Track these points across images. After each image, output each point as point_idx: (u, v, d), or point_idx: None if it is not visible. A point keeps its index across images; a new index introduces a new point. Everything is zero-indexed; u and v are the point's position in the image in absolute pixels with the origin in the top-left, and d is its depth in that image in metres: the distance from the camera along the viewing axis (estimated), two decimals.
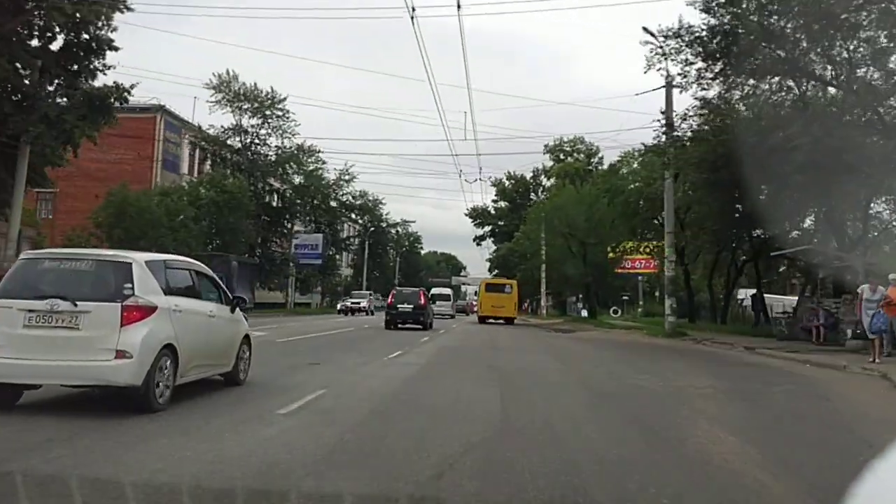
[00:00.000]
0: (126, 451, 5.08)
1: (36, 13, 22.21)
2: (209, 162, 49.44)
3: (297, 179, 54.49)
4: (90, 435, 5.61)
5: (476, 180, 46.28)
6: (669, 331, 24.68)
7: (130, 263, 6.85)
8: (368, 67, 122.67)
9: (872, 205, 23.36)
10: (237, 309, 8.90)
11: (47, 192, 44.55)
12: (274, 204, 53.44)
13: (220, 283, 8.95)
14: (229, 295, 8.94)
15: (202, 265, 8.77)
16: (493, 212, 74.75)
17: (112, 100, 23.34)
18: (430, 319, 30.13)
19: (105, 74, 24.24)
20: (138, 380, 6.45)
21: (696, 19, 18.66)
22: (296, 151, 51.46)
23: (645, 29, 20.13)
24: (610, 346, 20.37)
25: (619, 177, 35.75)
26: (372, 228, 77.67)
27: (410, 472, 4.59)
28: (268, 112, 48.86)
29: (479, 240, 77.82)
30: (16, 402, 6.75)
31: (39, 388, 6.94)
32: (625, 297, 60.80)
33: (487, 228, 76.21)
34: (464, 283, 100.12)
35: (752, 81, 19.90)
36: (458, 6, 17.86)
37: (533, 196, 68.62)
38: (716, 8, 18.07)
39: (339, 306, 53.29)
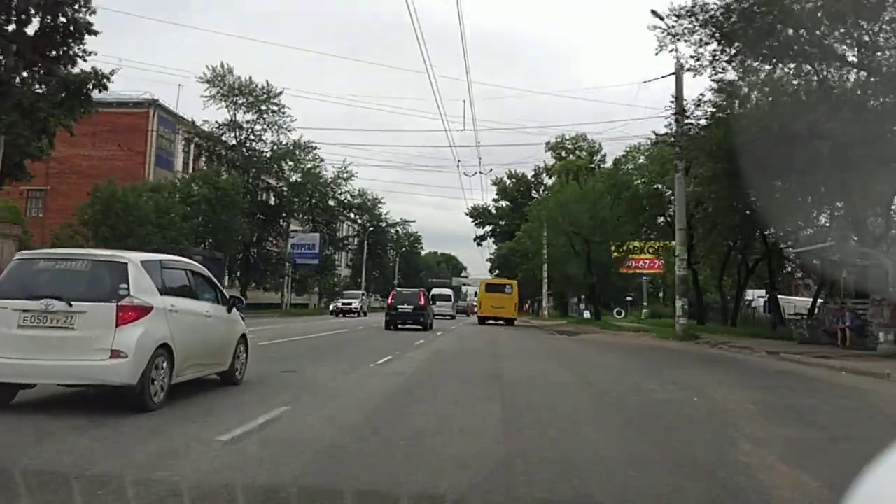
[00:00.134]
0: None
1: None
2: (204, 158, 48.19)
3: (295, 177, 53.26)
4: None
5: (475, 174, 45.13)
6: (681, 333, 23.22)
7: (126, 263, 6.87)
8: (364, 58, 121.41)
9: None
10: (234, 309, 8.95)
11: (37, 189, 43.65)
12: (269, 202, 52.07)
13: (217, 283, 8.98)
14: (226, 295, 8.97)
15: (199, 265, 8.77)
16: (493, 211, 73.98)
17: (90, 87, 21.94)
18: (431, 320, 29.82)
19: (85, 61, 22.93)
20: (133, 379, 6.48)
21: None
22: (292, 147, 50.15)
23: (653, 12, 18.87)
24: (621, 351, 18.86)
25: (624, 172, 34.31)
26: (371, 228, 76.44)
27: None
28: (263, 107, 47.60)
29: (479, 240, 77.07)
30: (10, 402, 6.81)
31: (34, 388, 6.99)
32: (628, 299, 59.58)
33: (488, 228, 75.56)
34: (464, 284, 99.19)
35: (767, 67, 18.58)
36: None
37: (535, 194, 67.37)
38: None
39: (331, 307, 50.99)
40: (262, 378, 9.44)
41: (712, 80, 18.21)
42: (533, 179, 70.73)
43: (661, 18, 18.58)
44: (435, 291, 48.76)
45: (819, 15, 16.72)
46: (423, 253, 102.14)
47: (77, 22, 21.71)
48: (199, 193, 39.80)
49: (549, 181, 66.11)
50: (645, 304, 56.83)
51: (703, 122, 19.36)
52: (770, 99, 17.36)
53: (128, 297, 6.63)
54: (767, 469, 5.03)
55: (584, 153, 65.13)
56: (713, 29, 17.65)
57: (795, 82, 18.19)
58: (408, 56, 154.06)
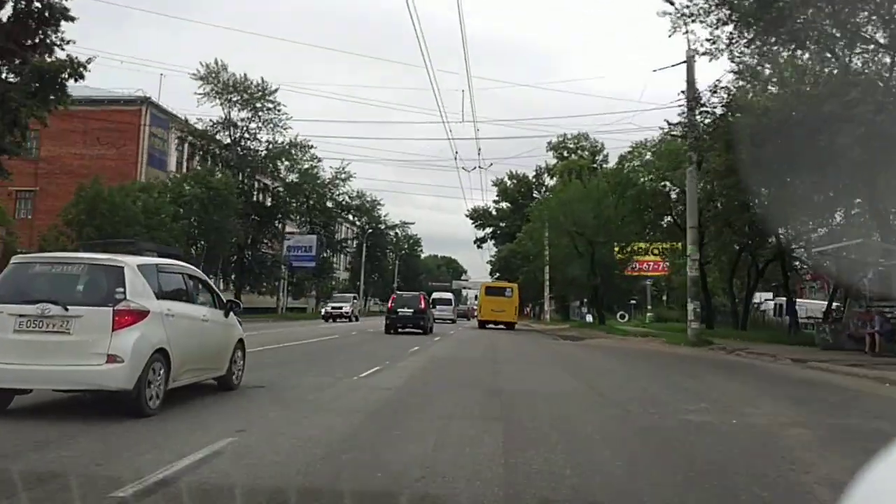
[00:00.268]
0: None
1: None
2: (198, 158, 46.99)
3: (291, 177, 52.05)
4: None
5: (475, 168, 43.92)
6: (693, 339, 21.76)
7: (122, 267, 6.81)
8: (360, 52, 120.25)
9: None
10: (231, 313, 8.88)
11: (26, 190, 42.70)
12: (265, 202, 50.78)
13: (213, 286, 8.94)
14: (223, 299, 8.94)
15: (196, 269, 8.68)
16: (494, 213, 73.15)
17: (65, 76, 20.63)
18: (431, 324, 29.57)
19: (62, 49, 21.68)
20: (129, 384, 6.41)
21: None
22: (287, 146, 48.88)
23: None
24: (631, 358, 17.42)
25: (630, 169, 32.94)
26: (370, 230, 75.18)
27: None
28: (258, 104, 46.34)
29: (479, 242, 76.03)
30: (6, 407, 6.74)
31: (30, 393, 6.90)
32: (632, 302, 58.24)
33: (489, 230, 74.55)
34: (464, 287, 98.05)
35: (785, 53, 17.27)
36: None
37: (536, 195, 66.23)
38: None
39: (322, 311, 48.15)
40: (236, 391, 8.22)
41: (732, 61, 16.88)
42: (534, 180, 69.87)
43: (672, 3, 17.37)
44: (435, 295, 48.33)
45: None
46: (422, 256, 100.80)
47: (52, 7, 20.44)
48: (191, 193, 38.53)
49: (550, 182, 65.09)
50: (649, 307, 55.59)
51: (718, 110, 18.01)
52: (794, 80, 15.96)
53: (124, 301, 6.58)
54: None
55: (587, 153, 64.28)
56: (729, 10, 16.37)
57: (818, 68, 16.85)
58: (406, 50, 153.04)
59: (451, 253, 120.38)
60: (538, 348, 20.90)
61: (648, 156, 31.76)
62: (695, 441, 6.13)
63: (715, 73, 38.83)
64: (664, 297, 61.32)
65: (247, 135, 47.17)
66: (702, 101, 18.28)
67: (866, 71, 16.62)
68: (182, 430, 5.90)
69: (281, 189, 51.51)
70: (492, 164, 58.08)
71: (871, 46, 16.21)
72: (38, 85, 20.55)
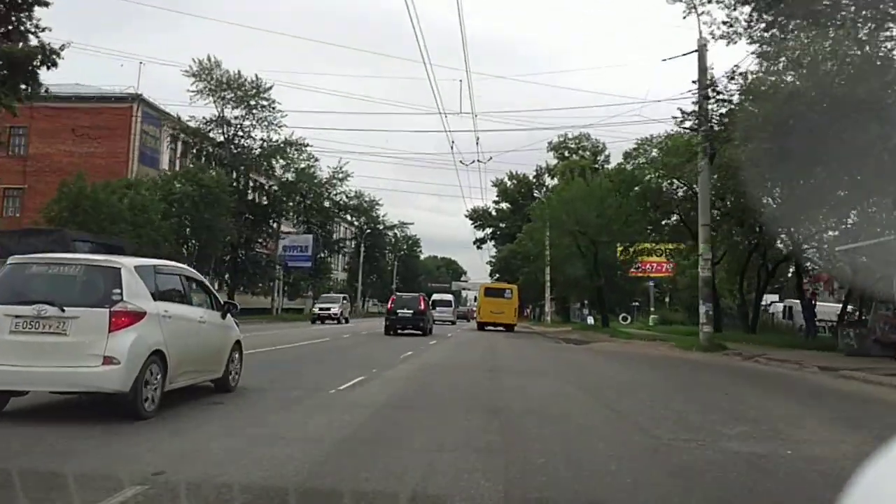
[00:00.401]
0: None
1: None
2: (191, 156, 45.93)
3: (287, 176, 50.90)
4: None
5: (473, 162, 42.74)
6: (705, 343, 20.40)
7: (119, 269, 6.81)
8: (358, 49, 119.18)
9: None
10: (228, 314, 8.84)
11: (14, 188, 42.12)
12: (259, 201, 49.57)
13: (210, 287, 8.91)
14: (220, 300, 8.90)
15: (193, 270, 8.67)
16: (493, 213, 72.38)
17: (37, 64, 19.36)
18: (430, 325, 29.53)
19: (37, 37, 20.43)
20: (126, 386, 6.40)
21: None
22: (282, 144, 47.69)
23: None
24: (643, 366, 15.98)
25: (635, 166, 31.65)
26: (368, 230, 74.07)
27: None
28: (252, 102, 45.20)
29: (479, 242, 75.15)
30: (2, 409, 6.74)
31: (26, 395, 6.88)
32: (635, 304, 57.01)
33: (488, 231, 73.75)
34: (464, 288, 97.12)
35: (805, 38, 15.98)
36: None
37: (536, 194, 65.26)
38: None
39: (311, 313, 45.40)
40: (181, 408, 7.11)
41: (755, 42, 15.55)
42: (534, 180, 69.02)
43: None
44: (435, 297, 47.86)
45: None
46: (422, 257, 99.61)
47: None
48: (182, 191, 37.37)
49: (550, 182, 64.17)
50: (652, 309, 54.42)
51: (736, 97, 16.69)
52: (823, 60, 14.65)
53: (121, 302, 6.55)
54: None
55: (588, 153, 63.45)
56: None
57: (846, 49, 15.55)
58: (406, 49, 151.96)
59: (450, 254, 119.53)
60: (541, 354, 19.46)
61: (654, 153, 30.48)
62: (750, 484, 4.75)
63: (726, 64, 37.56)
64: (666, 299, 60.15)
65: (241, 133, 46.11)
66: (717, 89, 16.98)
67: (894, 54, 15.33)
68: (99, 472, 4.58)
69: (276, 188, 50.34)
70: (490, 159, 56.76)
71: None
72: (6, 72, 19.29)
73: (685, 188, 29.61)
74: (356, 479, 4.51)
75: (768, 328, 33.56)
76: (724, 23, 15.93)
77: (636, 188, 31.64)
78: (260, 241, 49.29)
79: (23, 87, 19.78)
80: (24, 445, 5.31)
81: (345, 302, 46.56)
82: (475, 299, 59.21)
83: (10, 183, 41.88)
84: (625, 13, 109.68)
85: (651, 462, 5.38)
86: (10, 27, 20.22)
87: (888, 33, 15.26)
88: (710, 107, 17.40)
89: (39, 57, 19.16)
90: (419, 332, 26.94)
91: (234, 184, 44.00)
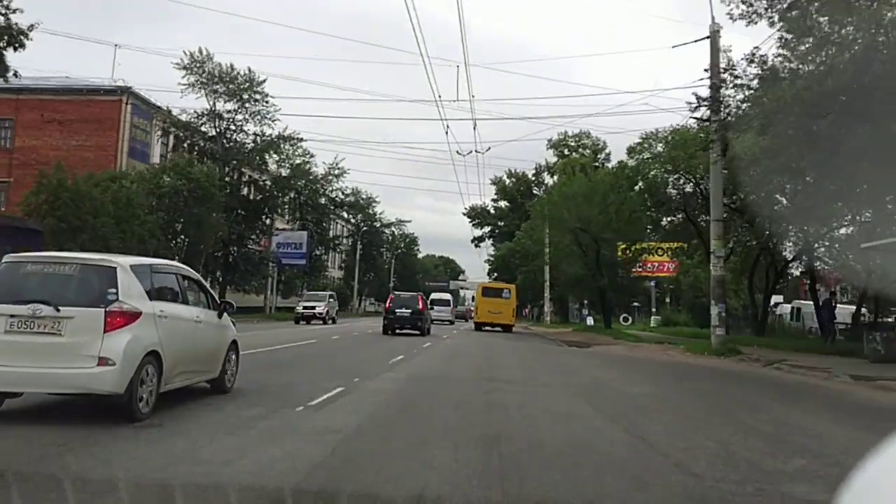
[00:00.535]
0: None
1: None
2: (182, 149, 44.74)
3: (282, 172, 49.68)
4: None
5: (470, 153, 41.62)
6: (718, 347, 19.13)
7: (115, 268, 6.74)
8: (358, 48, 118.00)
9: None
10: (224, 314, 8.74)
11: None
12: (252, 197, 48.31)
13: (206, 286, 8.82)
14: (217, 300, 8.86)
15: (189, 269, 8.61)
16: (492, 211, 71.42)
17: (3, 44, 18.13)
18: (429, 325, 29.29)
19: (8, 18, 19.21)
20: (121, 388, 6.32)
21: None
22: (276, 139, 46.44)
23: None
24: (658, 375, 14.58)
25: (642, 161, 30.46)
26: (364, 228, 72.92)
27: None
28: (245, 95, 43.98)
29: (477, 241, 74.23)
30: None
31: (20, 396, 6.84)
32: (636, 304, 55.88)
33: (487, 229, 72.85)
34: (462, 288, 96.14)
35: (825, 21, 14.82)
36: None
37: (536, 191, 64.32)
38: None
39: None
40: (98, 438, 5.75)
41: (780, 20, 14.28)
42: (533, 178, 68.08)
43: None
44: (434, 296, 47.52)
45: None
46: (419, 255, 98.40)
47: None
48: (170, 185, 36.12)
49: (550, 180, 63.22)
50: (654, 309, 53.29)
51: (755, 82, 15.42)
52: (860, 34, 13.37)
53: (116, 302, 6.51)
54: None
55: (588, 151, 62.75)
56: None
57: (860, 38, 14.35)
58: (405, 46, 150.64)
59: (448, 253, 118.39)
60: (543, 359, 17.98)
61: (660, 147, 29.30)
62: None
63: (737, 53, 36.30)
64: (667, 300, 59.07)
65: (233, 127, 44.89)
66: (735, 73, 15.73)
67: None
68: None
69: (269, 182, 49.10)
70: (489, 149, 55.93)
71: None
72: None
73: (692, 183, 28.51)
74: None
75: (776, 330, 32.44)
76: (743, 2, 14.71)
77: (640, 184, 30.50)
78: (253, 237, 48.05)
79: None
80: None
81: (331, 300, 43.96)
82: (473, 299, 58.25)
83: None
84: (627, 6, 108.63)
85: None
86: None
87: None
88: (728, 92, 16.20)
89: (6, 38, 17.92)
90: (417, 332, 26.73)
91: (227, 178, 42.82)
